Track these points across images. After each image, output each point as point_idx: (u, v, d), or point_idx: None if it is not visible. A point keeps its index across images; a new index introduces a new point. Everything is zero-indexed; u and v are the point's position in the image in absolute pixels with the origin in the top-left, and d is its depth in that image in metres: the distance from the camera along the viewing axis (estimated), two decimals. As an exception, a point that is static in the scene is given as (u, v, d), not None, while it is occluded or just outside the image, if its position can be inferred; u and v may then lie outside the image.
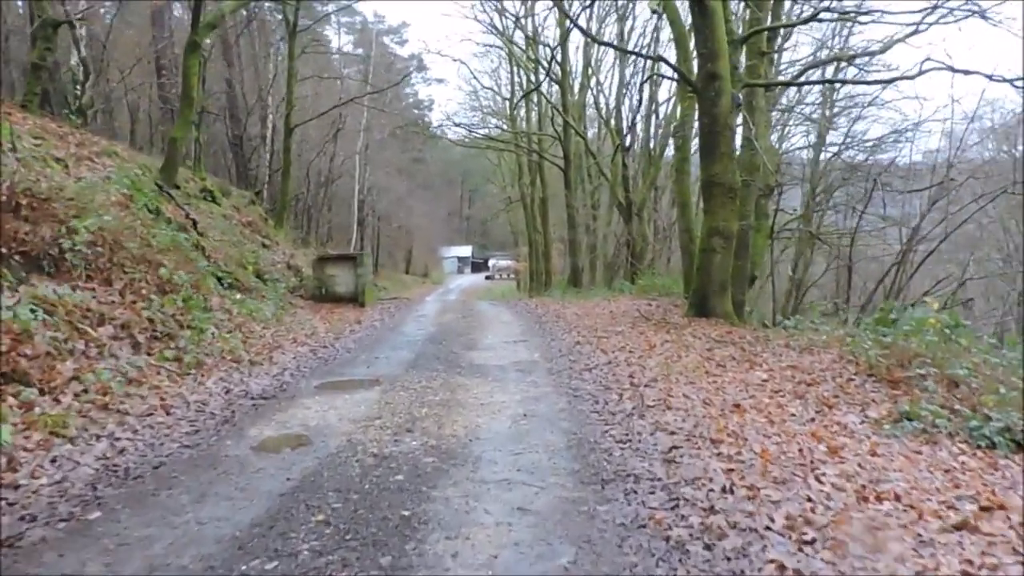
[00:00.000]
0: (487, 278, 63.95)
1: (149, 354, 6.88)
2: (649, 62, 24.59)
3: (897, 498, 3.47)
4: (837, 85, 18.94)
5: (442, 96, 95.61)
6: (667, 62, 12.53)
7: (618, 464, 4.11)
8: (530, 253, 34.44)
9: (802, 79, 14.95)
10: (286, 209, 21.51)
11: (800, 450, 4.32)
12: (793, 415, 5.50)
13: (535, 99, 30.60)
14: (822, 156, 19.04)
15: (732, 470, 3.85)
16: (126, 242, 8.33)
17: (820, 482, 3.70)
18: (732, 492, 3.50)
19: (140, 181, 11.56)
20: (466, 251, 78.07)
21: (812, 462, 4.07)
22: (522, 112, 32.52)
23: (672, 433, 4.64)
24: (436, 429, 4.97)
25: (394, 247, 53.00)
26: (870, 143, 17.60)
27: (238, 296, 10.06)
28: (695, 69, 14.88)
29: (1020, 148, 17.26)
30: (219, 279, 11.15)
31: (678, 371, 7.15)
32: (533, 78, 27.17)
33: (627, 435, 4.72)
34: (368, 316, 13.26)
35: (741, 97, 12.51)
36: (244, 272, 13.31)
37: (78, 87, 14.77)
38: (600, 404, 5.74)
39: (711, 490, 3.53)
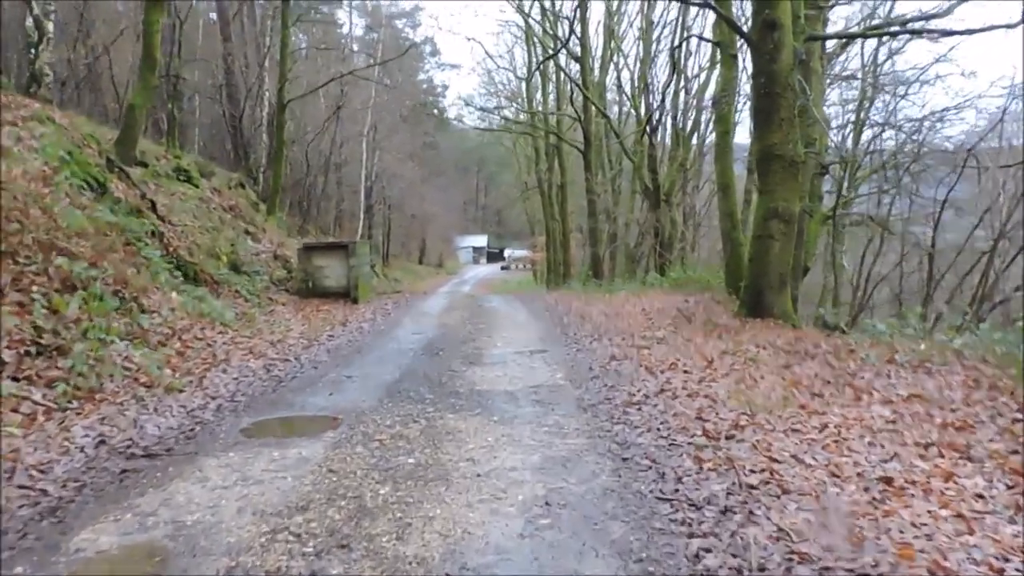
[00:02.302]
0: (503, 268, 62.85)
1: (16, 379, 4.89)
2: (678, 30, 22.33)
3: None
4: (890, 49, 16.74)
5: (457, 82, 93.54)
6: (714, 8, 10.26)
7: None
8: (548, 242, 32.43)
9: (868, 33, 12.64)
10: (278, 193, 19.44)
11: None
12: (981, 498, 3.38)
13: (553, 79, 28.42)
14: (865, 134, 16.97)
15: None
16: (25, 225, 6.36)
17: None
18: None
19: (80, 153, 9.58)
20: (482, 241, 76.51)
21: None
22: (539, 94, 30.41)
23: (825, 568, 2.51)
24: (392, 543, 2.84)
25: (407, 237, 50.93)
26: (929, 117, 15.11)
27: (175, 294, 8.00)
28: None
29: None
30: (172, 272, 9.16)
31: (762, 406, 5.02)
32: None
33: (739, 569, 2.58)
34: (358, 315, 11.20)
35: (804, 52, 10.31)
36: (215, 263, 11.32)
37: (32, 51, 12.86)
38: (668, 479, 3.58)
39: None
